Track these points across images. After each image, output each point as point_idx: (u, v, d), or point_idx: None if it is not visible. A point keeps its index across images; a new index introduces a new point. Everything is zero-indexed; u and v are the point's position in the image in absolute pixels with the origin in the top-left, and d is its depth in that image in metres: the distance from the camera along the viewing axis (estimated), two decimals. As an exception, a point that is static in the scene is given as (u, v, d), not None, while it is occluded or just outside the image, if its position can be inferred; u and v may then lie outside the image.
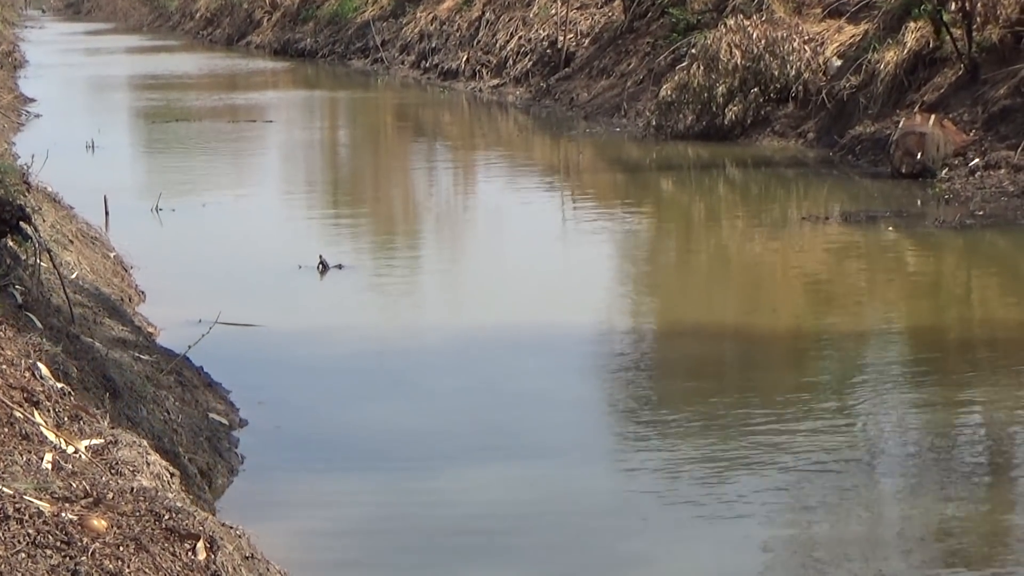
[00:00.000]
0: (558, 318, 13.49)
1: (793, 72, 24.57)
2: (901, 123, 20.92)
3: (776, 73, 24.64)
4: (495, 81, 35.57)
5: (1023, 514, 8.92)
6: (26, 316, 9.11)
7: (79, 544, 5.42)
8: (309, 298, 14.54)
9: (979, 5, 21.87)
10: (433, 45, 40.04)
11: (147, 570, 5.48)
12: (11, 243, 10.32)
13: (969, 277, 16.09)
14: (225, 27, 58.63)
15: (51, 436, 6.90)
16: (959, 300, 14.90)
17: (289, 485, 9.33)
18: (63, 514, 5.62)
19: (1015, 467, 9.74)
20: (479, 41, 37.53)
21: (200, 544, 5.85)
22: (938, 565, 8.01)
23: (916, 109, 21.54)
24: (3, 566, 5.14)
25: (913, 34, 23.06)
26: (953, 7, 22.15)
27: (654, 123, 26.02)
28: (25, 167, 15.21)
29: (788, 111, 24.71)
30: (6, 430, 6.65)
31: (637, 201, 21.15)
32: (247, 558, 6.46)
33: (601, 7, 34.13)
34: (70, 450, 6.91)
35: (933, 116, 20.59)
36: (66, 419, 7.37)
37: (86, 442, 7.18)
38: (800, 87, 24.54)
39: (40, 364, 7.89)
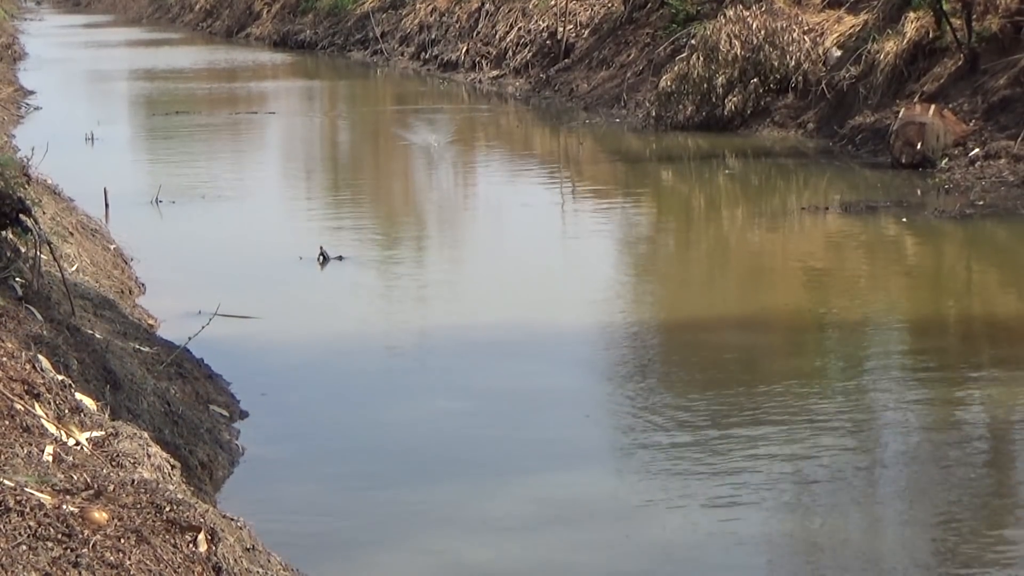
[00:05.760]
0: (559, 310, 13.49)
1: (793, 63, 24.55)
2: (901, 113, 20.91)
3: (776, 64, 24.62)
4: (495, 72, 35.55)
5: None
6: (26, 308, 9.12)
7: (80, 536, 5.43)
8: (310, 290, 14.54)
9: (979, -5, 21.88)
10: (433, 36, 40.01)
11: (148, 562, 5.49)
12: (11, 236, 10.32)
13: (969, 267, 16.10)
14: (224, 19, 58.57)
15: (52, 428, 6.90)
16: (959, 290, 14.90)
17: (290, 477, 9.34)
18: (64, 506, 5.62)
19: (1016, 461, 9.75)
20: (479, 32, 37.50)
21: (201, 536, 5.85)
22: (938, 562, 8.02)
23: (916, 99, 21.53)
24: (5, 558, 5.15)
25: (913, 24, 23.05)
26: (953, -3, 22.16)
27: (654, 114, 26.00)
28: (25, 159, 15.22)
29: (788, 101, 24.70)
30: (7, 422, 6.65)
31: (637, 192, 21.15)
32: (248, 550, 6.47)
33: (600, -2, 34.09)
34: (71, 442, 6.92)
35: (933, 106, 20.58)
36: (67, 411, 7.38)
37: (87, 434, 7.18)
38: (800, 77, 24.52)
39: (41, 356, 7.90)
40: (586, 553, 8.14)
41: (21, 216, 9.90)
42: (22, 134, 25.52)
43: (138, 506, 5.86)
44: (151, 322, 12.81)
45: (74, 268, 12.96)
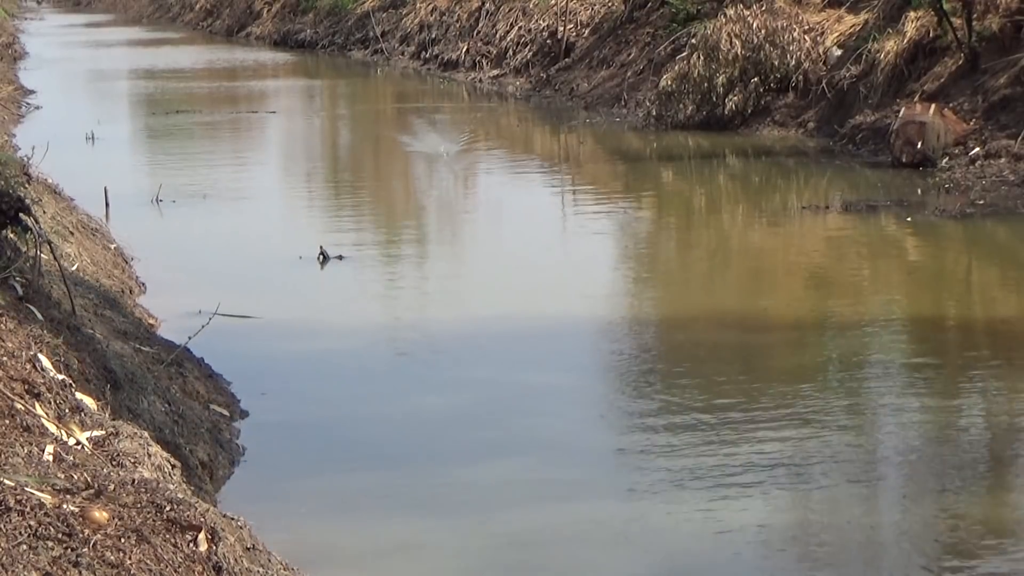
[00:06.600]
0: (561, 308, 13.49)
1: (793, 62, 24.55)
2: (901, 112, 20.90)
3: (776, 63, 24.62)
4: (495, 71, 35.55)
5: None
6: (27, 308, 9.11)
7: (80, 536, 5.43)
8: (310, 289, 14.54)
9: (979, -6, 21.88)
10: (433, 36, 40.00)
11: (148, 562, 5.49)
12: (11, 235, 10.31)
13: (969, 266, 16.10)
14: (225, 18, 58.56)
15: (52, 428, 6.90)
16: (959, 289, 14.89)
17: (290, 476, 9.34)
18: (64, 506, 5.62)
19: (1016, 459, 9.74)
20: (479, 32, 37.50)
21: (201, 535, 5.85)
22: (938, 560, 8.02)
23: (916, 98, 21.53)
24: (5, 558, 5.14)
25: (913, 23, 23.05)
26: (953, -4, 22.16)
27: (654, 113, 26.00)
28: (25, 159, 15.23)
29: (788, 101, 24.70)
30: (7, 422, 6.65)
31: (638, 191, 21.14)
32: (248, 549, 6.47)
33: (601, -3, 34.08)
34: (71, 442, 6.92)
35: (933, 105, 20.58)
36: (67, 411, 7.37)
37: (87, 434, 7.18)
38: (800, 77, 24.52)
39: (41, 356, 7.89)
40: (586, 545, 8.14)
41: (21, 215, 9.89)
42: (22, 133, 25.52)
43: (138, 505, 5.86)
44: (151, 321, 12.81)
45: (74, 267, 12.96)
